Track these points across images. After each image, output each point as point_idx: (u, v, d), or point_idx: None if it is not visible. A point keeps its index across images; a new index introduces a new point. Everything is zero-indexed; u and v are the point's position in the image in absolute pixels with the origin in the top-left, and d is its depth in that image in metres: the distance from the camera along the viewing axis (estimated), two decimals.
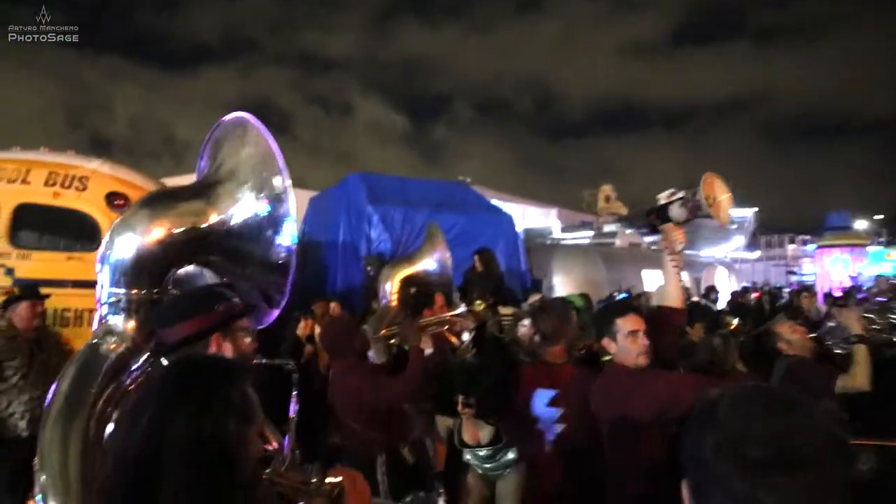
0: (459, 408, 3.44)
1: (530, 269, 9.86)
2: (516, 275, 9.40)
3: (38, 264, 5.39)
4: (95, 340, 2.00)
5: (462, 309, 4.96)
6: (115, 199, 5.41)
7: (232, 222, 2.14)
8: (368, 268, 7.81)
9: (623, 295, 8.24)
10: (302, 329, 5.90)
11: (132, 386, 1.96)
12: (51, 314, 4.84)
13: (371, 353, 4.06)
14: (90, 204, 5.52)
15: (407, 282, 5.28)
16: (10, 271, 5.32)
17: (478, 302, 5.69)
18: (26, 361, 4.08)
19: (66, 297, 5.13)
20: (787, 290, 17.12)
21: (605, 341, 2.83)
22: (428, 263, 5.38)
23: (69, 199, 5.55)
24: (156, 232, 2.03)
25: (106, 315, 2.02)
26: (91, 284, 2.13)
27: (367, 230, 8.43)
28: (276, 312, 2.32)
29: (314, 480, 1.45)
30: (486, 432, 3.56)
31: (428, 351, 3.64)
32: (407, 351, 3.86)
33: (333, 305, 6.57)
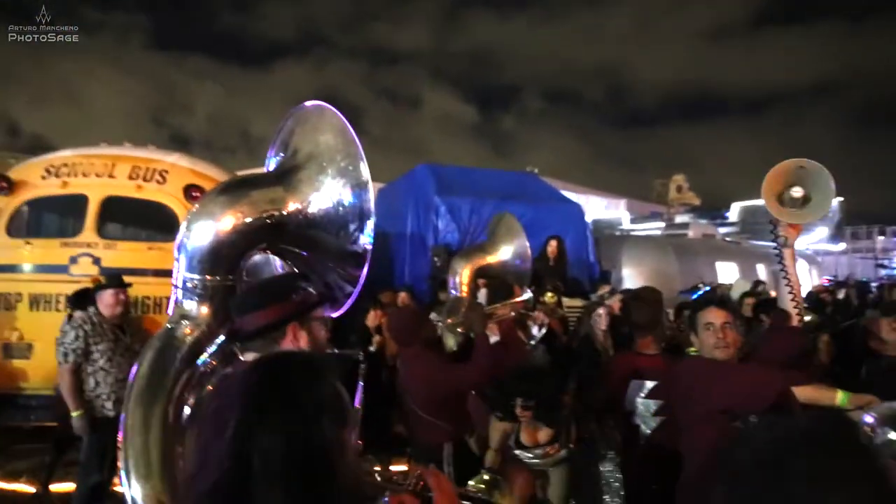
0: (518, 411, 3.37)
1: (599, 260, 9.65)
2: (585, 266, 9.23)
3: (122, 254, 5.65)
4: (171, 325, 2.02)
5: (528, 295, 4.83)
6: (192, 192, 5.59)
7: (311, 210, 2.09)
8: (435, 258, 7.82)
9: (706, 288, 8.01)
10: (371, 320, 5.93)
11: (207, 371, 1.99)
12: (132, 301, 5.04)
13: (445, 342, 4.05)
14: (169, 196, 5.73)
15: (482, 273, 5.13)
16: (97, 260, 5.60)
17: (549, 294, 5.55)
18: (111, 345, 4.30)
19: (146, 285, 5.35)
20: (875, 284, 16.18)
21: (692, 336, 2.80)
22: (505, 254, 5.12)
23: (151, 192, 5.78)
24: (233, 218, 2.01)
25: (181, 299, 2.03)
26: (170, 273, 2.13)
27: (434, 221, 8.45)
28: (348, 304, 2.29)
29: (403, 476, 1.40)
30: (544, 433, 3.48)
31: (493, 339, 3.58)
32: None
33: (403, 295, 6.58)
